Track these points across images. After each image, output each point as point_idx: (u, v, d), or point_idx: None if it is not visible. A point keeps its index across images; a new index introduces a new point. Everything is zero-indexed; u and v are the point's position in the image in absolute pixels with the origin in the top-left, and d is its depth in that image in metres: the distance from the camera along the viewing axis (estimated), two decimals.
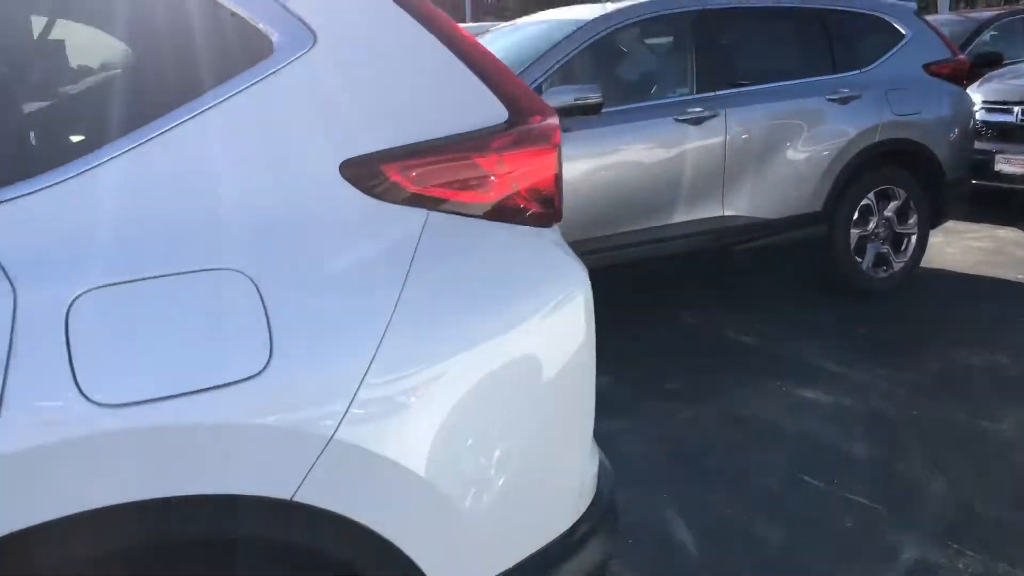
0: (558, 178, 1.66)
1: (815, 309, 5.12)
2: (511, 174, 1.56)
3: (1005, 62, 8.60)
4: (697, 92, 4.79)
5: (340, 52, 1.49)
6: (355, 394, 1.40)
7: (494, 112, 1.58)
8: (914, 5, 5.65)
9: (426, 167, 1.49)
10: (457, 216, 1.51)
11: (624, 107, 4.64)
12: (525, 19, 5.44)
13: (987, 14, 10.39)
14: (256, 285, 1.32)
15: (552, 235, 1.69)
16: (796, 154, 4.95)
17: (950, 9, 16.69)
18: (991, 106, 7.16)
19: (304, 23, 1.47)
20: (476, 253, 1.53)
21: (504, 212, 1.56)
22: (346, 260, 1.42)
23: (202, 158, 1.36)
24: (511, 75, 1.67)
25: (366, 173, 1.45)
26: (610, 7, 4.81)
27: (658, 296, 5.43)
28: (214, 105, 1.38)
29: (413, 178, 1.48)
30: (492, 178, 1.54)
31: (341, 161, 1.44)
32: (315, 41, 1.47)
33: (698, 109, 4.70)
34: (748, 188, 4.85)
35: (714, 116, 4.72)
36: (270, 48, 1.44)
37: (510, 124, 1.59)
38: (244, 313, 1.31)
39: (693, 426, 3.73)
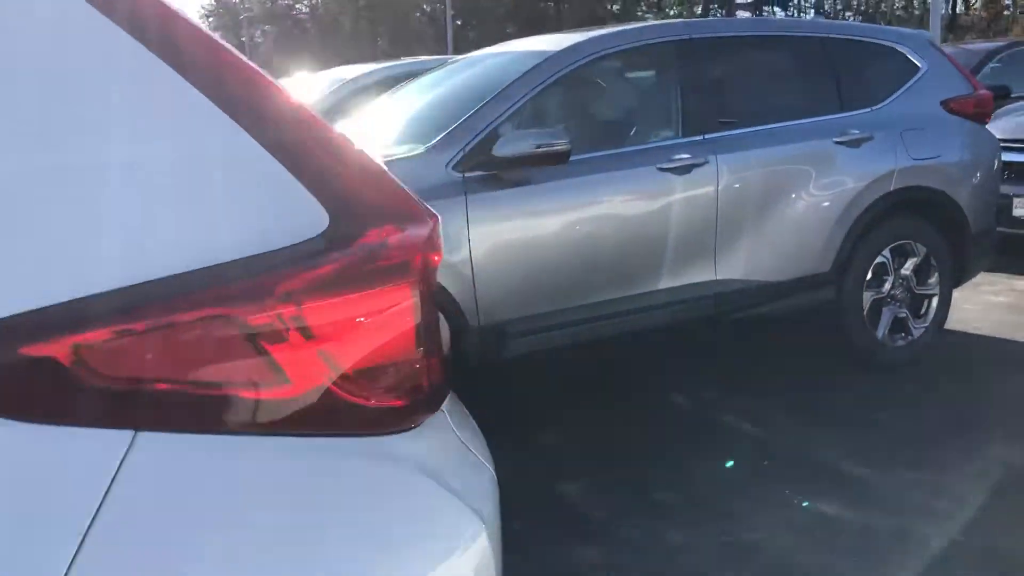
0: (425, 336, 0.91)
1: (826, 388, 4.37)
2: (322, 341, 0.81)
3: (1013, 95, 7.97)
4: (683, 136, 4.07)
5: None
6: None
7: (302, 219, 0.83)
8: (929, 33, 4.98)
9: (132, 340, 0.74)
10: (202, 437, 0.76)
11: (597, 154, 3.91)
12: (483, 51, 4.73)
13: (989, 45, 9.79)
14: None
15: (420, 445, 0.93)
16: (799, 206, 4.23)
17: (942, 41, 16.18)
18: (1007, 144, 6.46)
19: None
20: (242, 508, 0.78)
21: (314, 417, 0.81)
22: None
23: None
24: (347, 148, 0.92)
25: None
26: (581, 37, 4.09)
27: (643, 377, 4.64)
28: None
29: (101, 363, 0.73)
30: (281, 352, 0.79)
31: None
32: None
33: (685, 156, 3.98)
34: (744, 247, 4.12)
35: (703, 164, 3.99)
36: None
37: (331, 241, 0.84)
38: None
39: (688, 554, 2.97)
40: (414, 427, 0.91)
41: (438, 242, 0.95)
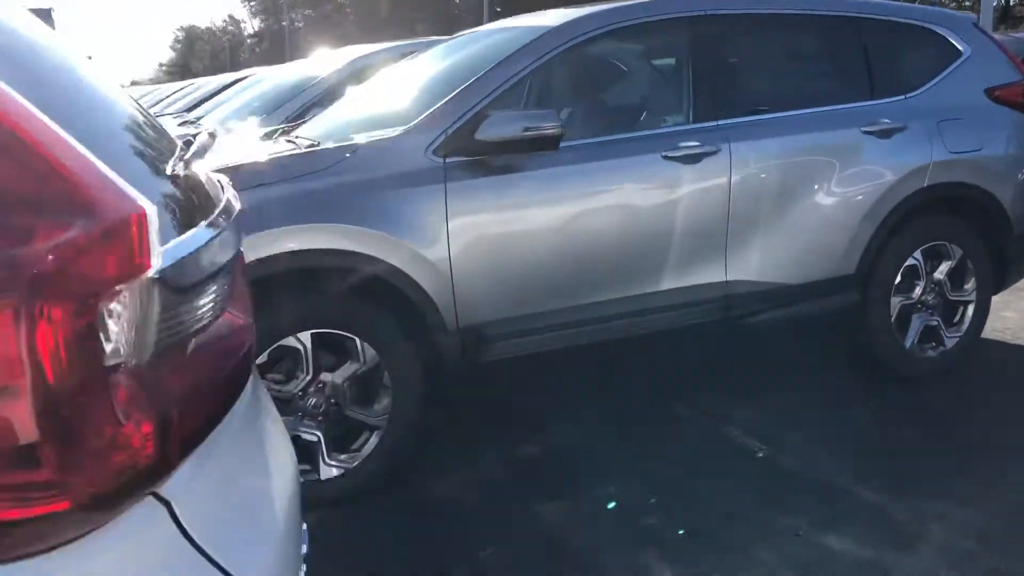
0: (73, 394, 0.58)
1: (844, 403, 3.98)
2: None
3: None
4: (694, 121, 3.70)
5: None
6: None
7: None
8: (973, 16, 4.54)
9: None
10: None
11: (596, 140, 3.56)
12: (485, 27, 4.38)
13: None
14: None
15: (92, 566, 0.59)
16: (822, 202, 3.84)
17: (993, 30, 15.52)
18: None
19: None
20: None
21: None
22: None
23: None
24: None
25: None
26: (583, 11, 3.73)
27: (640, 386, 4.25)
28: None
29: None
30: None
31: None
32: None
33: (694, 143, 3.61)
34: (759, 246, 3.74)
35: (715, 152, 3.62)
36: None
37: None
38: None
39: None
40: (77, 539, 0.58)
41: (132, 245, 0.63)
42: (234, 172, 3.21)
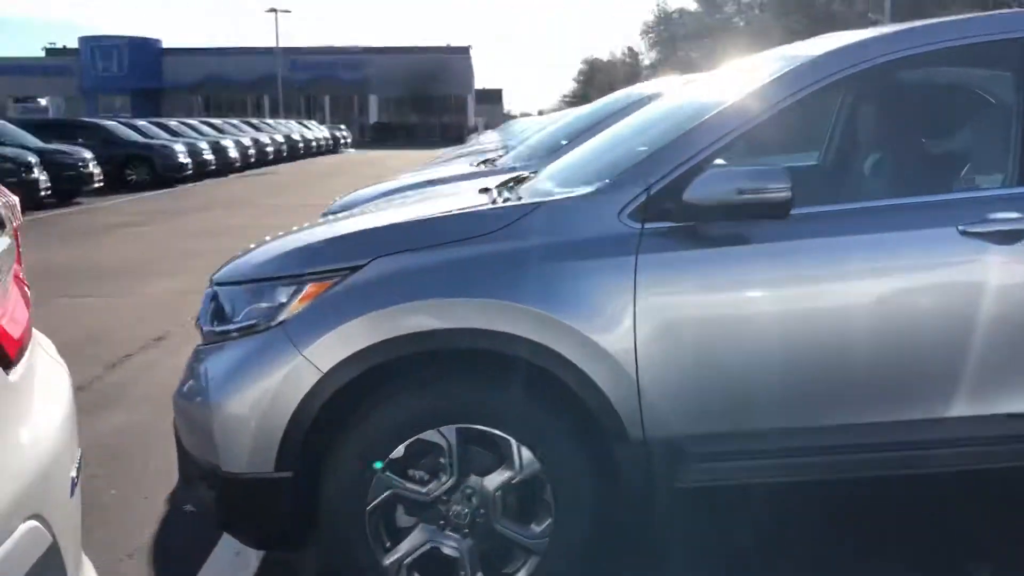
0: None
1: None
2: None
3: None
4: (1017, 184, 2.63)
5: None
6: None
7: None
8: None
9: None
10: None
11: (857, 206, 2.64)
12: (764, 54, 3.54)
13: None
14: None
15: None
16: None
17: None
18: None
19: None
20: None
21: None
22: None
23: None
24: None
25: None
26: (861, 35, 2.81)
27: (918, 540, 3.12)
28: None
29: None
30: None
31: None
32: None
33: (1014, 215, 2.55)
34: None
35: None
36: None
37: None
38: None
39: None
40: None
41: None
42: (394, 231, 2.82)
